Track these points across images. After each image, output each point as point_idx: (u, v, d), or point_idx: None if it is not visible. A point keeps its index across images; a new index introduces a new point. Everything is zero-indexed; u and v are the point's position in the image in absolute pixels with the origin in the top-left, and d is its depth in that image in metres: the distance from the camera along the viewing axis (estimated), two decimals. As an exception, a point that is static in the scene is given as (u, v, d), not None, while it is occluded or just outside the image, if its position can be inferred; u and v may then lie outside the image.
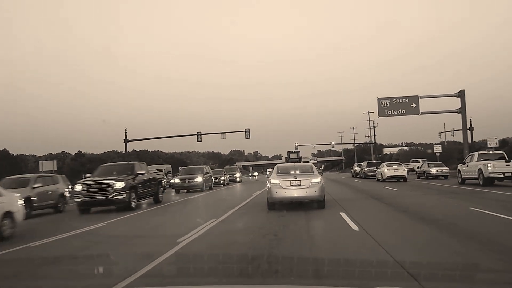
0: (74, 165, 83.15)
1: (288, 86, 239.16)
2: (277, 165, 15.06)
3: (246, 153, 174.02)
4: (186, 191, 27.15)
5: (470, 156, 24.12)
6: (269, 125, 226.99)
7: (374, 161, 40.32)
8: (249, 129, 46.20)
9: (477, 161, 22.56)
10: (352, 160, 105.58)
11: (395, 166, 31.60)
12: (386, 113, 37.56)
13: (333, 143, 79.73)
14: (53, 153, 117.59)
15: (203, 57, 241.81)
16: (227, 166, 51.40)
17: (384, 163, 32.55)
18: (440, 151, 40.65)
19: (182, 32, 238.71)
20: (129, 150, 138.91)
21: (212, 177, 30.73)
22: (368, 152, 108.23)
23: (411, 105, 37.31)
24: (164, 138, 49.79)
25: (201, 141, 45.89)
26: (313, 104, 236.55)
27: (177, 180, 27.84)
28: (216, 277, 5.55)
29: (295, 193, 12.69)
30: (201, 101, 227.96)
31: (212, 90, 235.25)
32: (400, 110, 37.57)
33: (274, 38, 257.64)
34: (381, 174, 31.57)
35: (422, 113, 37.39)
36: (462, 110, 36.88)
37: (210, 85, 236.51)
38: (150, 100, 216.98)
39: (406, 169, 31.42)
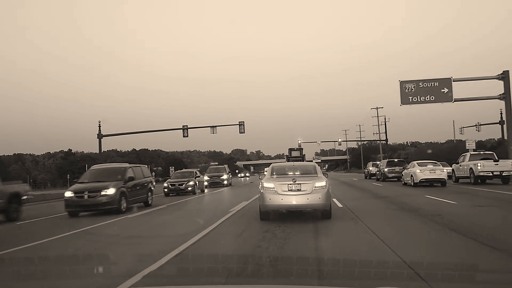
0: (63, 164, 75.32)
1: (290, 84, 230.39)
2: (272, 164, 11.89)
3: (248, 152, 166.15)
4: (100, 212, 14.22)
5: (463, 156, 24.49)
6: (272, 124, 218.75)
7: (396, 160, 31.76)
8: (243, 122, 37.86)
9: (469, 161, 23.18)
10: (357, 159, 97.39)
11: (431, 166, 23.15)
12: (410, 100, 29.29)
13: (339, 139, 70.95)
14: (51, 152, 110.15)
15: (205, 55, 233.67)
16: (212, 166, 38.87)
17: (415, 162, 24.11)
18: (474, 147, 32.21)
19: (184, 31, 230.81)
20: (129, 149, 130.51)
21: (152, 184, 17.47)
22: (375, 151, 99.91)
23: (442, 90, 28.99)
24: (144, 132, 41.53)
25: (187, 136, 37.61)
26: (317, 101, 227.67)
27: (69, 194, 14.12)
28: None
29: (294, 200, 9.82)
30: (200, 98, 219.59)
31: (210, 87, 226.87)
32: (429, 97, 29.27)
33: (276, 34, 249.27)
34: (411, 176, 23.14)
35: (456, 100, 29.10)
36: (506, 96, 28.44)
37: (210, 82, 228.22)
38: (151, 99, 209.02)
39: (445, 170, 22.91)
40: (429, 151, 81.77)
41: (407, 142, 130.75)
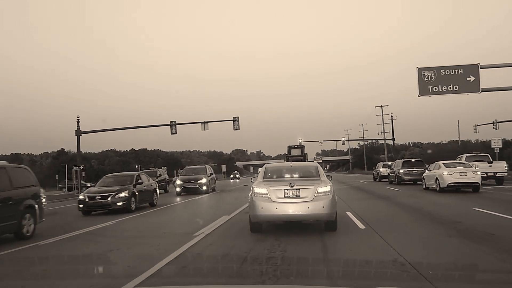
0: (55, 164, 70.87)
1: (291, 83, 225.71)
2: (266, 165, 9.52)
3: (248, 153, 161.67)
4: None
5: (459, 158, 24.16)
6: (272, 124, 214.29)
7: (413, 160, 27.10)
8: (238, 117, 33.20)
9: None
10: (360, 159, 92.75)
11: (461, 168, 18.62)
12: (430, 91, 24.56)
13: (343, 139, 65.91)
14: (49, 152, 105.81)
15: (205, 53, 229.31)
16: (188, 167, 29.29)
17: (441, 163, 19.53)
18: (500, 146, 27.63)
19: (184, 31, 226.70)
20: (127, 149, 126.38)
21: (38, 199, 9.87)
22: (378, 152, 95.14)
23: (468, 79, 24.28)
24: (128, 129, 37.03)
25: (175, 132, 33.02)
26: (318, 101, 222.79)
27: None
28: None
29: (291, 208, 7.72)
30: (200, 97, 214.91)
31: (211, 86, 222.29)
32: (452, 86, 24.52)
33: (277, 32, 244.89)
34: (437, 179, 18.59)
35: (483, 90, 24.35)
36: (541, 86, 23.80)
37: (209, 82, 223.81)
38: (151, 98, 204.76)
39: (479, 173, 18.40)
40: (429, 151, 76.81)
41: (409, 142, 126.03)
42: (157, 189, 17.51)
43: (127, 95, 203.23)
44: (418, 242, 7.10)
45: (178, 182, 24.42)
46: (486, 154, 24.81)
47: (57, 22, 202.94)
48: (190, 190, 23.63)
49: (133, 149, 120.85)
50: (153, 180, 18.70)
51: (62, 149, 76.51)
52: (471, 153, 25.77)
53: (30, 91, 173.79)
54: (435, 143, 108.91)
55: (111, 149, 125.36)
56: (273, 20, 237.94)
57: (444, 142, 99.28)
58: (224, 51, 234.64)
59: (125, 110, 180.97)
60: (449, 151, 52.11)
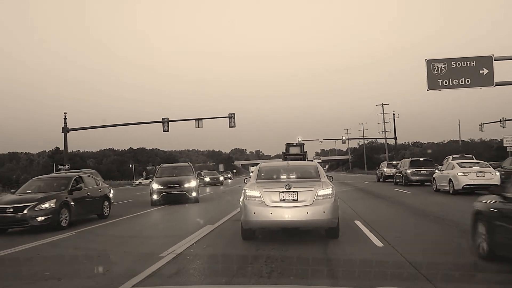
0: (49, 163, 68.95)
1: (291, 82, 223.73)
2: (260, 164, 8.60)
3: (247, 152, 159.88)
4: None
5: (446, 159, 23.48)
6: (272, 123, 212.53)
7: (422, 159, 25.08)
8: (234, 114, 31.28)
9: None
10: (359, 159, 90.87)
11: (477, 168, 16.72)
12: (440, 84, 22.67)
13: (343, 137, 63.87)
14: (46, 151, 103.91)
15: (205, 53, 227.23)
16: (164, 165, 19.96)
17: (454, 162, 17.66)
18: (513, 145, 25.67)
19: (189, 31, 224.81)
20: (126, 148, 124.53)
21: None
22: (378, 151, 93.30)
23: (481, 71, 22.42)
24: (120, 125, 35.07)
25: (168, 130, 31.18)
26: (317, 101, 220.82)
27: None
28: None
29: (288, 214, 6.95)
30: (201, 97, 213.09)
31: (210, 86, 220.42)
32: (463, 79, 22.62)
33: (276, 32, 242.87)
34: (450, 180, 16.67)
35: (497, 84, 22.47)
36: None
37: (209, 81, 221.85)
38: (151, 98, 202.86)
39: (497, 173, 16.51)
40: (429, 150, 74.89)
41: (408, 142, 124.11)
42: (110, 196, 13.22)
43: (127, 95, 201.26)
44: (462, 273, 5.10)
45: (155, 186, 16.57)
46: (471, 156, 24.60)
47: (57, 22, 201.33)
48: (174, 197, 16.47)
49: (131, 148, 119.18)
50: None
51: (57, 148, 74.63)
52: (458, 154, 25.44)
53: (29, 90, 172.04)
54: (435, 142, 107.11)
55: (109, 148, 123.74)
56: (273, 20, 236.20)
57: (444, 142, 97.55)
58: (224, 51, 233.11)
59: (125, 110, 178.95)
60: (450, 151, 50.46)
